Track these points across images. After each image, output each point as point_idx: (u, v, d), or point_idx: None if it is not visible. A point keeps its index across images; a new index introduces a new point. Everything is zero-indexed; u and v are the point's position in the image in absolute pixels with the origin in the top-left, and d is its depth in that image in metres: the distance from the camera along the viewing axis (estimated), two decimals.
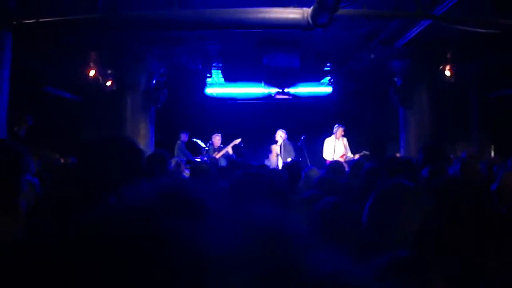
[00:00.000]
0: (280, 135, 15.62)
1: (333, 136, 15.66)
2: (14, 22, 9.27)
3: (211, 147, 16.16)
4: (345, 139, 15.67)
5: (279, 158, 15.44)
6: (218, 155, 15.43)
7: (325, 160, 15.53)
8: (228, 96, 18.57)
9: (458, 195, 3.70)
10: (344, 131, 15.65)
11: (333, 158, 15.06)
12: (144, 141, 13.81)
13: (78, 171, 2.89)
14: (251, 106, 18.57)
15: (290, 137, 16.63)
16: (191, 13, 9.97)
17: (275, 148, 15.70)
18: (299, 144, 16.16)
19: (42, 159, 10.75)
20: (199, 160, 13.72)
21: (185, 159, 13.43)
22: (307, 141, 16.05)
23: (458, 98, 16.50)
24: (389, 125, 17.98)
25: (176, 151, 15.85)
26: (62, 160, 12.77)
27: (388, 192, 3.32)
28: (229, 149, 15.97)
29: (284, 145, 15.48)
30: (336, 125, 15.71)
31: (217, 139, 16.36)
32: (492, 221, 3.45)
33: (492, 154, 16.26)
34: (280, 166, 13.91)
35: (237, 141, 16.05)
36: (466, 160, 7.80)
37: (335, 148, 15.52)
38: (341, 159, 14.29)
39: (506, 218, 3.87)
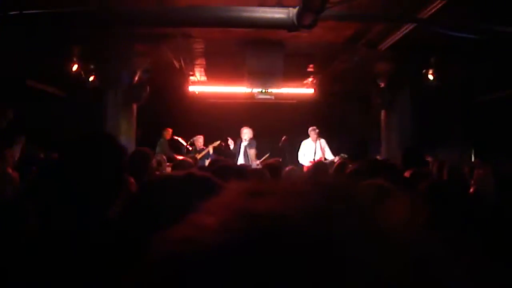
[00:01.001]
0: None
1: (309, 139, 15.69)
2: None
3: (194, 147, 16.18)
4: (323, 141, 15.70)
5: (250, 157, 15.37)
6: (199, 156, 15.43)
7: (300, 164, 15.57)
8: (211, 95, 18.55)
9: (445, 198, 3.71)
10: (319, 133, 15.67)
11: (309, 162, 15.10)
12: (125, 137, 13.76)
13: (59, 166, 2.86)
14: (233, 106, 18.58)
15: (272, 138, 16.65)
16: (176, 10, 9.92)
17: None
18: (280, 144, 16.19)
19: (22, 153, 10.69)
20: (181, 158, 13.70)
21: (166, 156, 13.44)
22: (289, 142, 16.08)
23: (441, 102, 16.59)
24: (371, 127, 18.06)
25: (157, 149, 15.84)
26: (42, 155, 12.71)
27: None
28: (210, 149, 15.99)
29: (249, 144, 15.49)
30: (310, 128, 15.76)
31: (199, 141, 16.39)
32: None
33: (473, 158, 16.33)
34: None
35: (217, 143, 16.06)
36: (453, 165, 7.88)
37: (311, 150, 15.55)
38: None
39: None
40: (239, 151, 15.57)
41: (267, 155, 15.61)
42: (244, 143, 15.49)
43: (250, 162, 14.69)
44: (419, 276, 0.65)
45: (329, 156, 15.44)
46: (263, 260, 0.62)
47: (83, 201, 2.59)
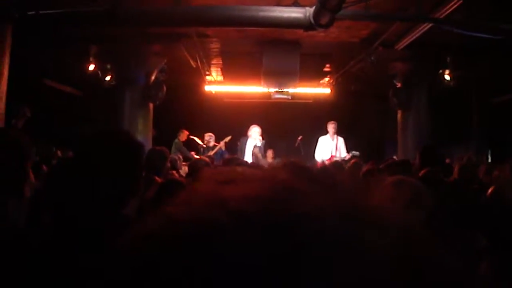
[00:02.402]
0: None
1: (328, 135, 15.63)
2: (15, 15, 9.24)
3: (206, 147, 16.14)
4: (341, 139, 15.61)
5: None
6: (212, 153, 15.37)
7: (316, 160, 15.48)
8: (227, 95, 18.55)
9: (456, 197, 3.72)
10: (337, 128, 15.59)
11: (322, 160, 15.02)
12: (142, 137, 13.76)
13: (75, 164, 2.87)
14: (249, 106, 18.57)
15: (288, 137, 16.62)
16: (192, 9, 9.95)
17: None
18: (296, 144, 16.15)
19: (39, 151, 10.74)
20: (197, 157, 13.69)
21: (182, 156, 13.45)
22: (305, 142, 16.05)
23: (457, 103, 16.53)
24: (388, 127, 18.01)
25: (173, 149, 15.85)
26: (59, 153, 12.77)
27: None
28: (222, 145, 15.94)
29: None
30: (329, 122, 15.69)
31: (207, 139, 16.33)
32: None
33: (489, 158, 16.26)
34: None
35: (228, 138, 16.01)
36: (464, 164, 7.85)
37: (327, 147, 15.49)
38: (327, 161, 14.25)
39: None
40: (245, 149, 15.30)
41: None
42: (253, 142, 15.21)
43: (257, 161, 14.48)
44: (400, 253, 0.65)
45: (343, 154, 15.36)
46: (235, 247, 0.62)
47: (99, 199, 2.59)
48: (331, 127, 15.61)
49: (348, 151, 15.54)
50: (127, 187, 2.80)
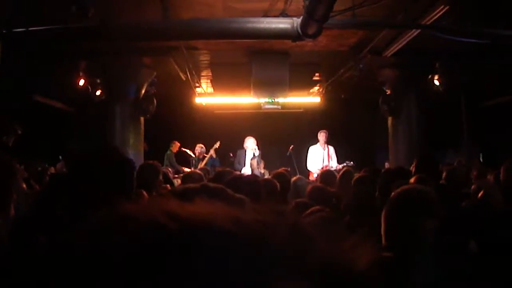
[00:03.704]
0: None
1: (318, 145, 15.67)
2: (4, 31, 9.25)
3: (195, 157, 16.16)
4: (331, 148, 15.65)
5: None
6: (203, 164, 15.39)
7: (308, 170, 15.53)
8: (218, 106, 18.58)
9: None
10: (328, 138, 15.64)
11: (316, 170, 15.06)
12: (133, 151, 13.76)
13: (69, 181, 2.89)
14: (240, 116, 18.61)
15: (279, 147, 16.65)
16: (181, 23, 9.97)
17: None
18: (287, 153, 16.17)
19: (29, 168, 10.73)
20: (189, 170, 13.70)
21: (173, 169, 13.47)
22: (296, 151, 16.07)
23: (447, 108, 16.58)
24: (378, 134, 18.08)
25: (165, 161, 15.85)
26: (52, 170, 12.76)
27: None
28: (212, 153, 15.97)
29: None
30: (320, 131, 15.74)
31: (199, 150, 16.37)
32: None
33: (481, 162, 16.32)
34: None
35: (217, 145, 16.05)
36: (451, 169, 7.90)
37: (318, 156, 15.52)
38: (319, 171, 14.28)
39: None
40: (244, 160, 15.48)
41: None
42: (251, 152, 15.39)
43: (254, 171, 14.58)
44: None
45: (335, 163, 15.39)
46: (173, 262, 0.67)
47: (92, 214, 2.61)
48: (322, 136, 15.67)
49: (338, 160, 15.58)
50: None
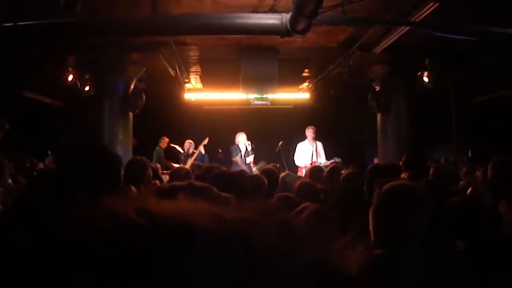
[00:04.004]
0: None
1: (306, 141, 15.67)
2: None
3: (184, 154, 16.17)
4: (319, 144, 15.65)
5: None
6: (192, 159, 15.39)
7: (296, 166, 15.54)
8: (207, 102, 18.56)
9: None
10: (316, 134, 15.65)
11: (305, 165, 15.07)
12: (122, 146, 13.73)
13: (56, 177, 2.88)
14: (229, 112, 18.60)
15: (268, 143, 16.66)
16: (169, 18, 9.93)
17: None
18: (277, 149, 16.17)
19: (18, 163, 10.68)
20: (177, 166, 13.68)
21: (162, 165, 13.44)
22: (286, 147, 16.06)
23: (436, 104, 16.60)
24: (368, 130, 18.10)
25: (154, 157, 15.83)
26: (40, 165, 12.72)
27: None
28: (201, 149, 15.98)
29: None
30: (308, 128, 15.75)
31: (188, 146, 16.38)
32: None
33: (470, 159, 16.36)
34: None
35: (206, 141, 16.06)
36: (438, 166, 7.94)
37: (307, 152, 15.52)
38: (308, 166, 14.29)
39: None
40: (241, 155, 15.59)
41: None
42: (244, 147, 15.51)
43: (240, 167, 14.63)
44: None
45: (323, 160, 15.39)
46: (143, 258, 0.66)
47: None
48: (310, 132, 15.68)
49: (327, 156, 15.59)
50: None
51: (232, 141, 16.32)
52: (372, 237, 3.37)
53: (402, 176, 6.33)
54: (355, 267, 0.77)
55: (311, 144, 15.64)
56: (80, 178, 2.75)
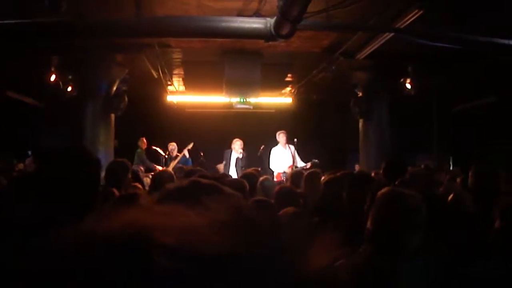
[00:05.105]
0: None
1: (279, 145, 15.67)
2: None
3: (168, 156, 16.16)
4: (292, 147, 15.64)
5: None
6: (175, 163, 15.37)
7: (272, 170, 15.54)
8: (189, 105, 18.56)
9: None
10: (287, 136, 15.65)
11: (284, 171, 15.06)
12: (104, 148, 13.68)
13: (35, 179, 2.87)
14: (211, 115, 18.61)
15: (250, 147, 16.65)
16: (154, 20, 9.89)
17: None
18: (259, 154, 16.16)
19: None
20: (160, 168, 13.66)
21: (145, 167, 13.39)
22: (267, 151, 16.05)
23: (418, 111, 16.68)
24: (349, 136, 18.13)
25: (136, 159, 15.77)
26: (21, 166, 12.64)
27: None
28: (185, 152, 15.97)
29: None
30: (278, 132, 15.74)
31: (171, 148, 16.37)
32: None
33: (451, 166, 16.44)
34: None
35: (190, 145, 16.04)
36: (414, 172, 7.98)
37: (283, 157, 15.52)
38: (289, 170, 14.30)
39: None
40: (230, 161, 15.61)
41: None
42: (236, 154, 15.54)
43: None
44: None
45: (300, 163, 15.40)
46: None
47: (59, 212, 2.58)
48: (282, 136, 15.65)
49: (302, 158, 15.59)
50: (83, 202, 2.80)
51: (215, 144, 16.37)
52: (369, 239, 3.40)
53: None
54: (327, 273, 0.77)
55: (285, 148, 15.63)
56: (59, 180, 2.74)
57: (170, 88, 17.69)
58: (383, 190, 3.58)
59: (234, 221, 0.78)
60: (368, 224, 3.47)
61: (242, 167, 14.88)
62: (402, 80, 14.04)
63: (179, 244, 0.70)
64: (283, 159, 15.54)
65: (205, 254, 0.70)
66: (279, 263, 0.75)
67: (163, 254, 0.68)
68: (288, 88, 18.66)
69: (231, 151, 15.73)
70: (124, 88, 14.89)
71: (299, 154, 15.62)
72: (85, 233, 0.74)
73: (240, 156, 15.50)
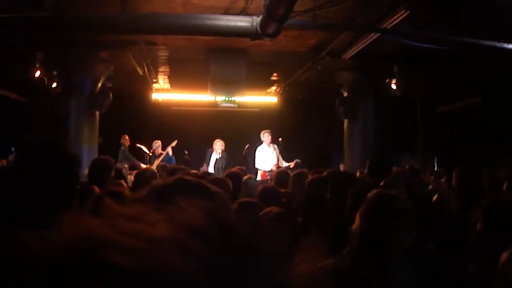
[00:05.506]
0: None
1: (264, 144, 15.69)
2: None
3: (153, 154, 16.16)
4: (276, 147, 15.68)
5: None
6: (159, 161, 15.34)
7: (257, 169, 15.58)
8: (174, 103, 18.55)
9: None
10: (271, 135, 15.69)
11: (271, 169, 15.08)
12: (88, 145, 13.63)
13: (12, 175, 2.85)
14: (196, 114, 18.59)
15: (235, 146, 16.65)
16: (139, 17, 9.85)
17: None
18: (243, 152, 16.17)
19: None
20: (144, 166, 13.62)
21: (129, 164, 13.35)
22: (252, 150, 16.06)
23: (403, 112, 16.71)
24: (334, 136, 18.16)
25: (120, 156, 15.71)
26: (3, 162, 12.58)
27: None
28: (168, 150, 15.98)
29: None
30: (263, 132, 15.77)
31: (156, 146, 16.39)
32: None
33: (436, 167, 16.48)
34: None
35: (174, 143, 16.05)
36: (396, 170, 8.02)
37: (268, 156, 15.55)
38: (274, 168, 14.35)
39: None
40: (209, 161, 15.67)
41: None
42: (216, 156, 15.58)
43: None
44: None
45: (283, 163, 15.44)
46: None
47: (36, 209, 2.56)
48: (267, 135, 15.70)
49: (284, 157, 15.63)
50: (57, 199, 2.77)
51: (200, 142, 16.40)
52: (358, 239, 3.40)
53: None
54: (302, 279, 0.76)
55: (269, 147, 15.66)
56: (36, 177, 2.71)
57: (155, 85, 17.66)
58: (372, 192, 3.57)
59: (207, 226, 0.76)
60: (354, 226, 3.46)
61: (221, 168, 14.95)
62: (387, 80, 14.06)
63: (135, 266, 0.67)
64: (268, 158, 15.57)
65: (161, 278, 0.68)
66: (259, 269, 0.73)
67: (115, 278, 0.67)
68: (274, 87, 18.66)
69: (212, 151, 15.82)
70: (109, 85, 14.82)
71: (284, 153, 15.65)
72: (35, 245, 0.73)
73: (219, 156, 15.63)
